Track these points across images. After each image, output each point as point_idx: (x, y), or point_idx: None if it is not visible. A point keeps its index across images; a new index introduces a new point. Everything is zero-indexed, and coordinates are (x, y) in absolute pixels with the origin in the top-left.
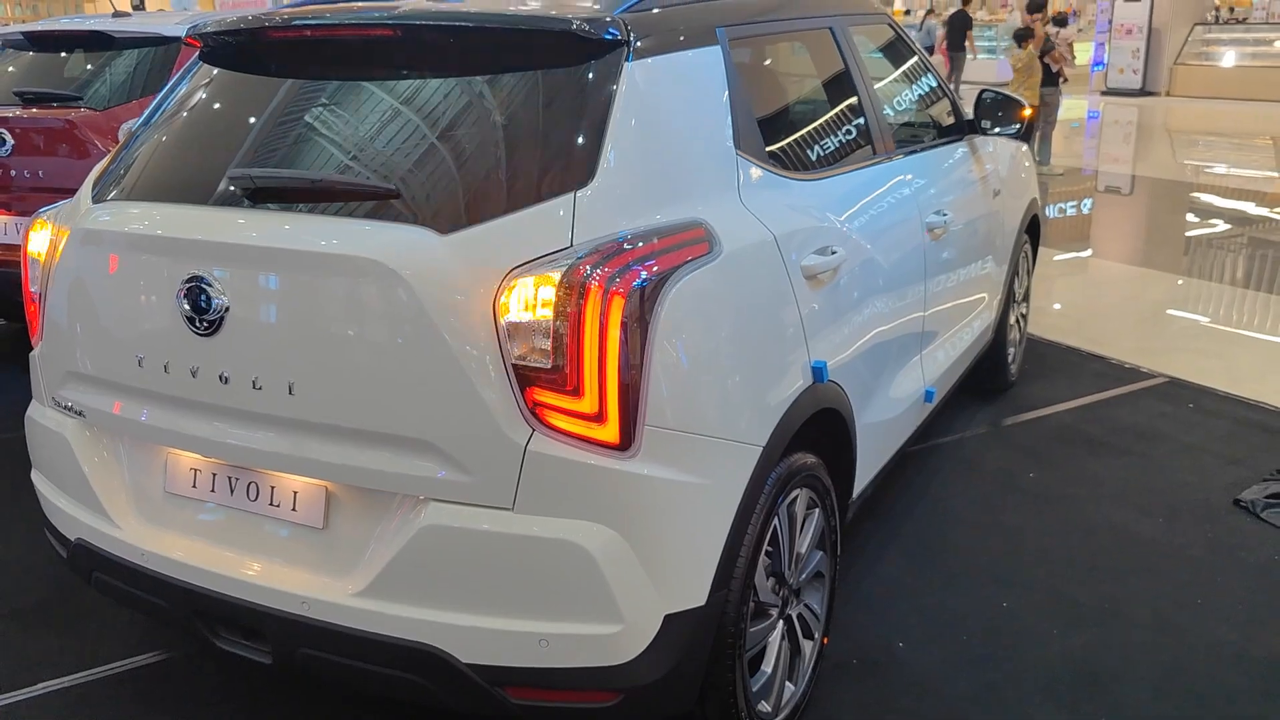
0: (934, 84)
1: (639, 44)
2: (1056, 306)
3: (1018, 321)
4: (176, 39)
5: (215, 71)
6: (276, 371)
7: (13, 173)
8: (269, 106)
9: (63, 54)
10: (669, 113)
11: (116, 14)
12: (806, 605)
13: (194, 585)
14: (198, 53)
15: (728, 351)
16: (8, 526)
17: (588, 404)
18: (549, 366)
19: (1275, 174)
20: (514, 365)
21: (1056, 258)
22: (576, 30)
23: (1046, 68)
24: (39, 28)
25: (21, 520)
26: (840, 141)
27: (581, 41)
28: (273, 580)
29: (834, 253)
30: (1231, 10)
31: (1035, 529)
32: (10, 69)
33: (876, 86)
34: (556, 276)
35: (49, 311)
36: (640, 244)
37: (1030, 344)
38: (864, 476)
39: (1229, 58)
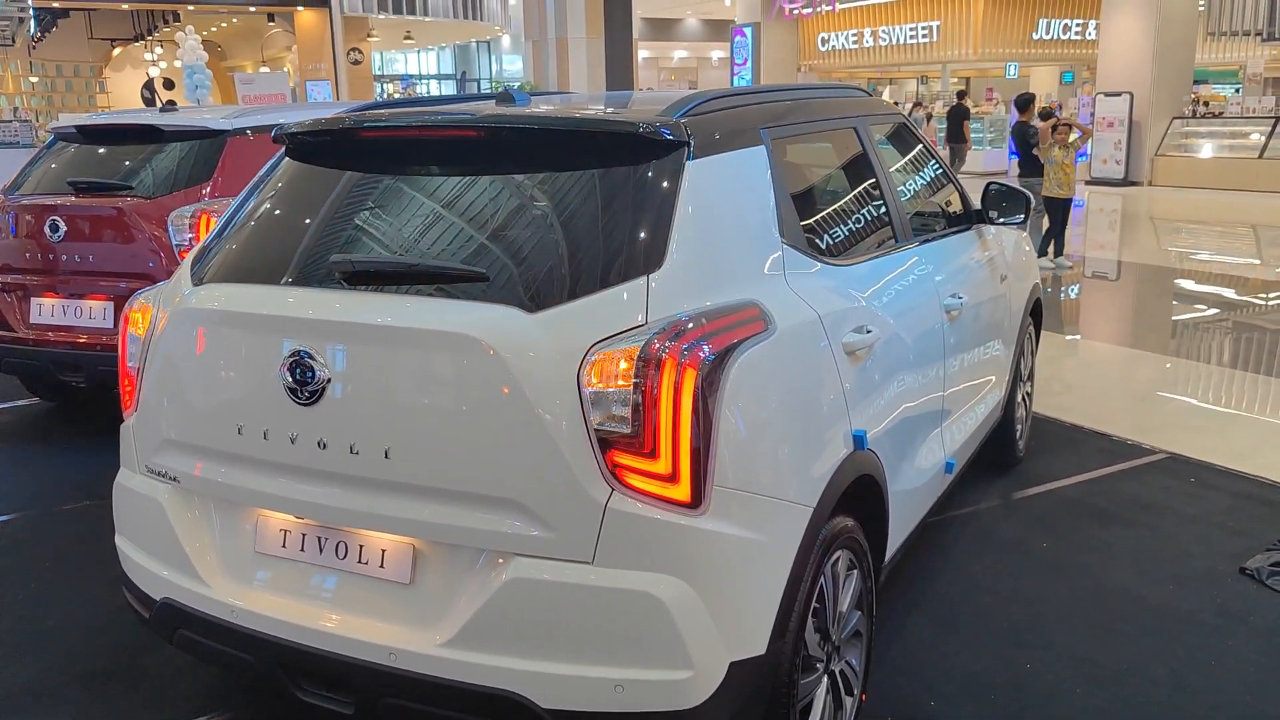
0: (943, 176)
1: (696, 144)
2: (1058, 386)
3: (1024, 399)
4: (222, 131)
5: (302, 166)
6: (374, 437)
7: (64, 258)
8: (358, 198)
9: (113, 146)
10: (723, 206)
11: (165, 107)
12: (847, 662)
13: (281, 639)
14: (283, 149)
15: (782, 419)
16: (72, 591)
17: (662, 465)
18: (628, 431)
19: (1255, 260)
20: (595, 430)
21: (1055, 340)
22: (644, 133)
23: (1035, 159)
24: (91, 120)
25: (80, 586)
26: (868, 230)
27: (650, 143)
28: (360, 633)
29: (869, 331)
30: (1207, 105)
31: (1052, 595)
32: (62, 160)
33: (896, 179)
34: (635, 350)
35: (146, 384)
36: (705, 321)
37: (1035, 422)
38: (895, 541)
39: (1207, 149)
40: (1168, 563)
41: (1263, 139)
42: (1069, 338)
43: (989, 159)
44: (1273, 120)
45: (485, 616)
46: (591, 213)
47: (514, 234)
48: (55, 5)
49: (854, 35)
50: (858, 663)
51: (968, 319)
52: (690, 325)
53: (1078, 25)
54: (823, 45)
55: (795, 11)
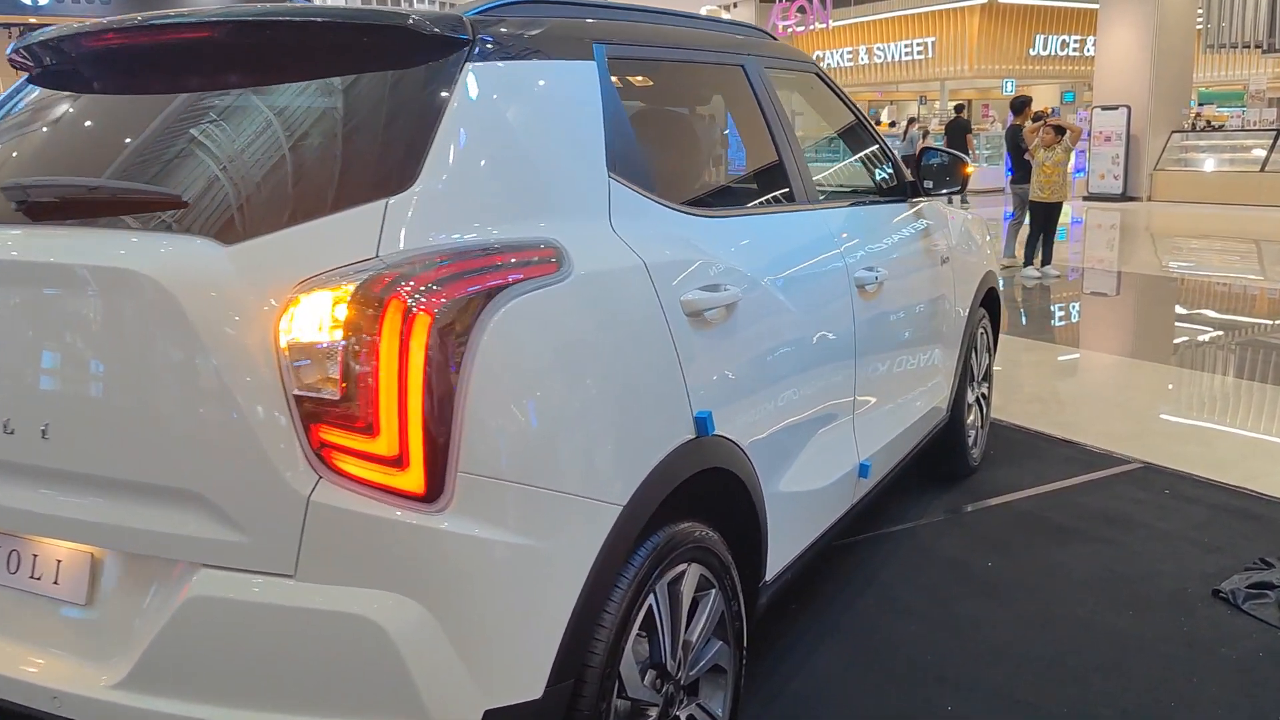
0: (873, 143)
1: (487, 45)
2: (1028, 392)
3: (978, 402)
4: None
5: (38, 92)
6: (29, 412)
7: None
8: (76, 119)
9: None
10: (522, 122)
11: None
12: (702, 706)
13: None
14: (25, 76)
15: (577, 388)
16: None
17: (384, 445)
18: (337, 398)
19: (1258, 275)
20: (297, 397)
21: (1031, 346)
22: (413, 26)
23: (1028, 164)
24: None
25: None
26: (751, 183)
27: (421, 40)
28: (23, 670)
29: (726, 289)
30: (1208, 121)
31: (989, 622)
32: None
33: (802, 136)
34: (350, 289)
35: None
36: (462, 257)
37: (997, 430)
38: (780, 556)
39: (1208, 163)
40: (1131, 584)
41: (1264, 153)
42: (1046, 344)
43: (986, 175)
44: (1274, 133)
45: (162, 649)
46: (334, 123)
47: (235, 151)
48: None
49: (849, 53)
50: (721, 708)
51: (890, 298)
52: (439, 261)
53: (1076, 41)
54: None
55: (789, 29)
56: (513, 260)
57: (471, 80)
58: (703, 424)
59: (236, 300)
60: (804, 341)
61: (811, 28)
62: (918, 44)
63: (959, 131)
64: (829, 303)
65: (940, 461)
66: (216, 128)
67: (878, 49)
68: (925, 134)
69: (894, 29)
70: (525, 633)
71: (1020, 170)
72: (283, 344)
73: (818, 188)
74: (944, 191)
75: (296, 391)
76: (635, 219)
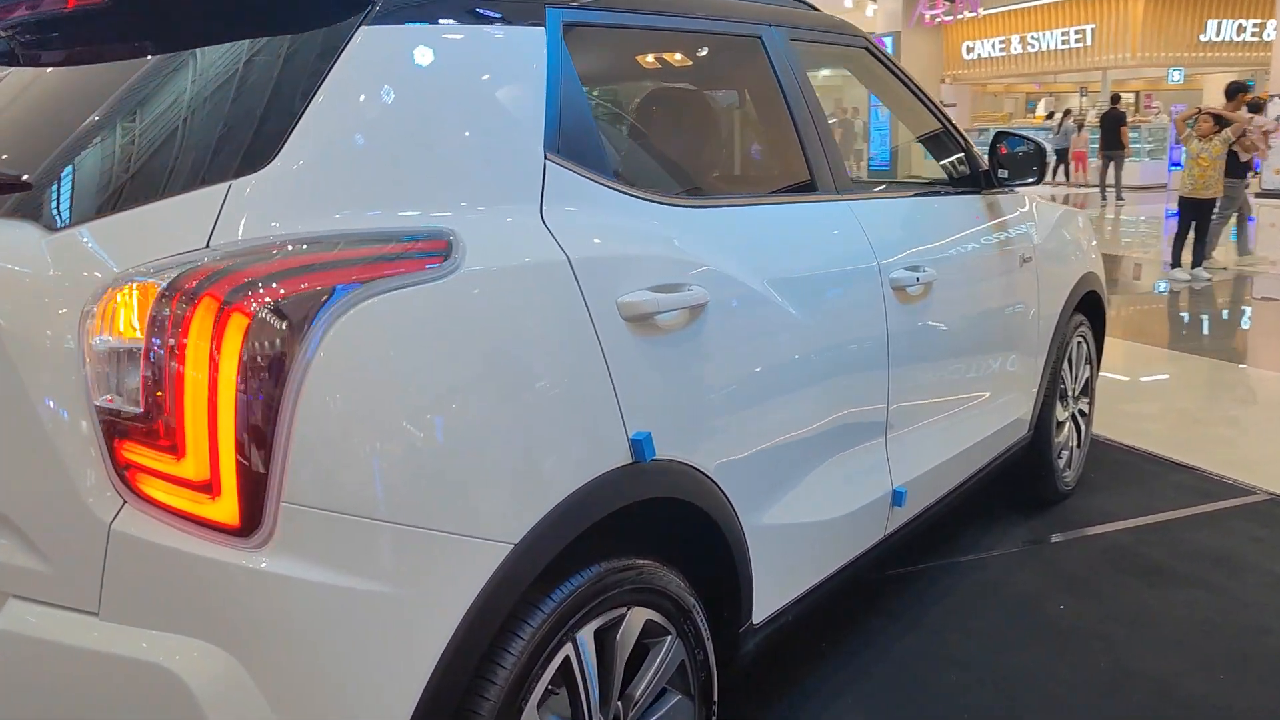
0: (937, 128)
1: (394, 6)
2: (1145, 408)
3: (1074, 420)
4: None
5: None
6: None
7: None
8: None
9: None
10: (425, 96)
11: None
12: None
13: None
14: None
15: (452, 406)
16: None
17: (191, 468)
18: (139, 411)
19: None
20: (98, 409)
21: (1162, 356)
22: None
23: (1234, 157)
24: None
25: None
26: (757, 171)
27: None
28: None
29: (687, 290)
30: None
31: (1047, 677)
32: None
33: (843, 119)
34: (159, 285)
35: None
36: (308, 250)
37: (1101, 449)
38: (778, 595)
39: None
40: (1229, 641)
41: None
42: (1180, 354)
43: (1146, 171)
44: None
45: None
46: (200, 98)
47: (91, 128)
48: None
49: (1001, 42)
50: None
51: (940, 302)
52: (273, 252)
53: (1254, 26)
54: (968, 54)
55: (936, 19)
56: (374, 253)
57: (363, 44)
58: (640, 447)
59: (47, 295)
60: (809, 351)
61: (960, 17)
62: (1075, 31)
63: (1113, 123)
64: (851, 307)
65: (1023, 484)
66: (80, 103)
67: (1032, 38)
68: (1080, 127)
69: (1050, 16)
70: (365, 693)
71: (1234, 166)
72: (87, 347)
73: (861, 178)
74: (1020, 183)
75: (98, 403)
76: (578, 207)
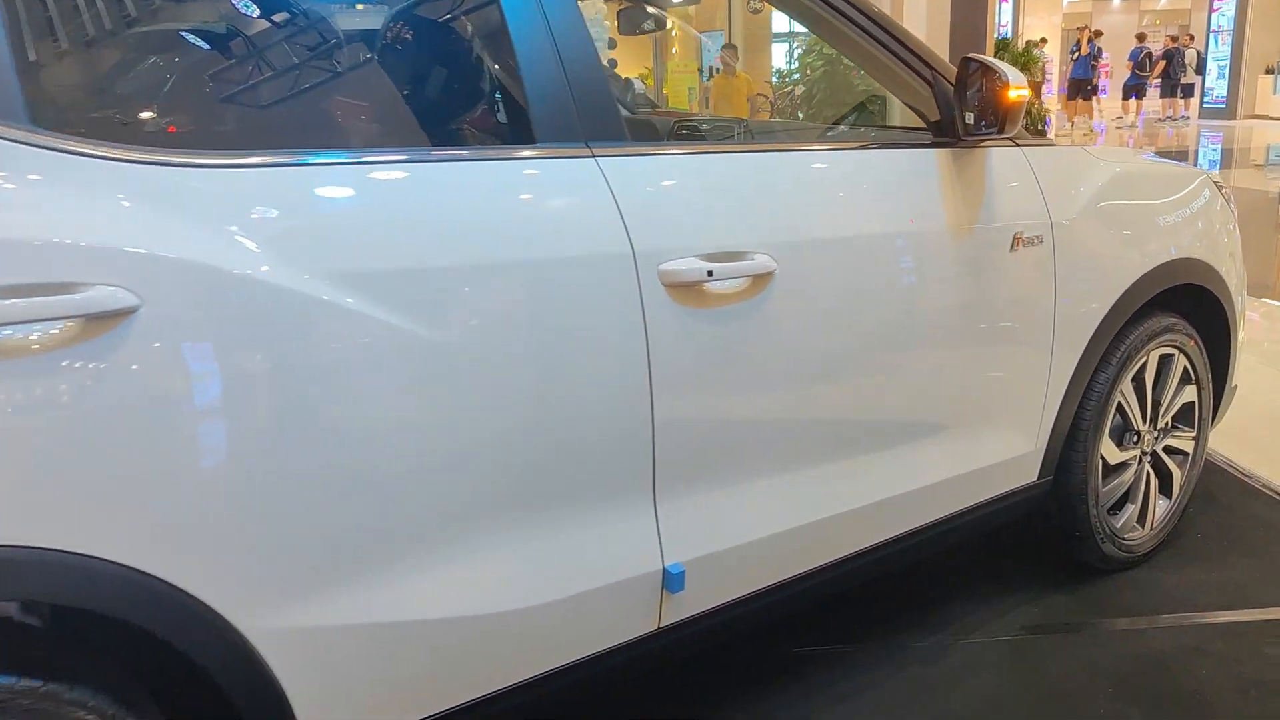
0: (875, 53)
1: None
2: None
3: (1143, 462)
4: None
5: None
6: None
7: None
8: None
9: None
10: None
11: None
12: None
13: None
14: None
15: None
16: None
17: None
18: None
19: None
20: None
21: None
22: None
23: None
24: None
25: None
26: (356, 110)
27: None
28: None
29: (86, 290)
30: None
31: None
32: None
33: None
34: None
35: None
36: None
37: (1237, 494)
38: None
39: None
40: None
41: None
42: None
43: None
44: None
45: None
46: None
47: None
48: None
49: None
50: None
51: (788, 302)
52: None
53: None
54: None
55: None
56: None
57: None
58: None
59: None
60: (435, 383)
61: None
62: None
63: None
64: (550, 313)
65: (1053, 545)
66: None
67: None
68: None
69: None
70: None
71: None
72: None
73: (600, 119)
74: (980, 133)
75: None
76: None
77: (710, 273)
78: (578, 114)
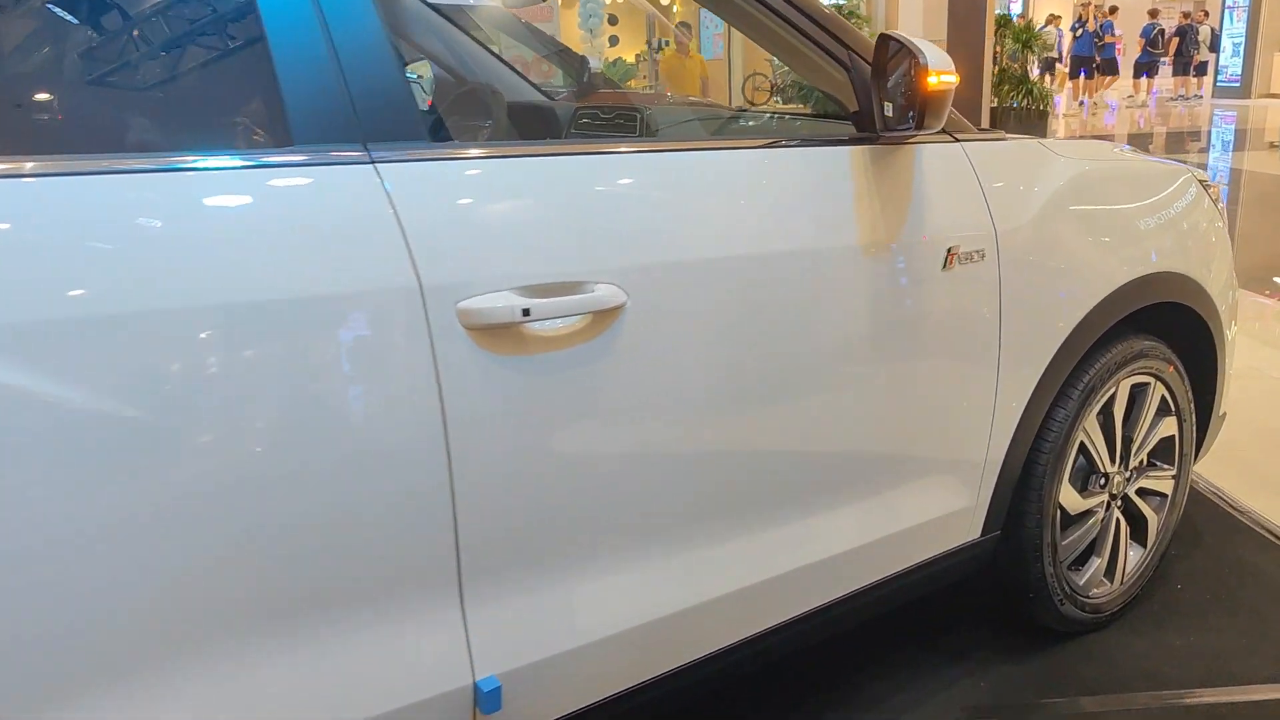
0: (778, 31)
1: None
2: None
3: (1117, 505)
4: None
5: None
6: None
7: None
8: None
9: None
10: None
11: None
12: None
13: None
14: None
15: None
16: None
17: None
18: None
19: None
20: None
21: None
22: None
23: None
24: None
25: None
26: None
27: None
28: None
29: None
30: None
31: None
32: None
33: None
34: None
35: None
36: None
37: (1228, 535)
38: None
39: None
40: None
41: None
42: None
43: None
44: None
45: None
46: None
47: None
48: None
49: None
50: None
51: (628, 343)
52: None
53: None
54: None
55: None
56: None
57: None
58: None
59: None
60: (98, 468)
61: None
62: None
63: None
64: (302, 370)
65: (1006, 603)
66: None
67: None
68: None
69: None
70: None
71: None
72: None
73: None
74: (895, 128)
75: None
76: None
77: (527, 311)
78: (353, 106)
